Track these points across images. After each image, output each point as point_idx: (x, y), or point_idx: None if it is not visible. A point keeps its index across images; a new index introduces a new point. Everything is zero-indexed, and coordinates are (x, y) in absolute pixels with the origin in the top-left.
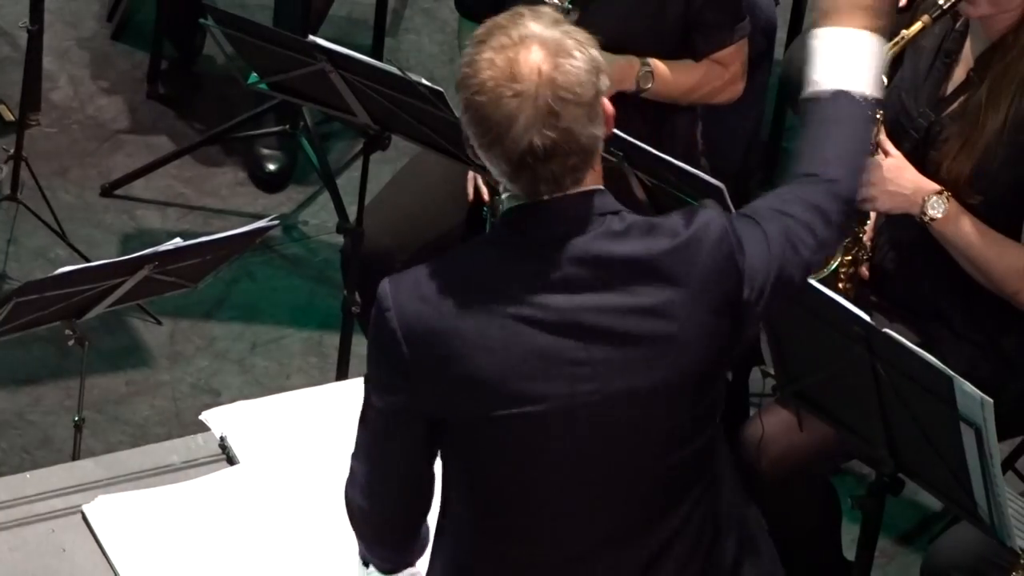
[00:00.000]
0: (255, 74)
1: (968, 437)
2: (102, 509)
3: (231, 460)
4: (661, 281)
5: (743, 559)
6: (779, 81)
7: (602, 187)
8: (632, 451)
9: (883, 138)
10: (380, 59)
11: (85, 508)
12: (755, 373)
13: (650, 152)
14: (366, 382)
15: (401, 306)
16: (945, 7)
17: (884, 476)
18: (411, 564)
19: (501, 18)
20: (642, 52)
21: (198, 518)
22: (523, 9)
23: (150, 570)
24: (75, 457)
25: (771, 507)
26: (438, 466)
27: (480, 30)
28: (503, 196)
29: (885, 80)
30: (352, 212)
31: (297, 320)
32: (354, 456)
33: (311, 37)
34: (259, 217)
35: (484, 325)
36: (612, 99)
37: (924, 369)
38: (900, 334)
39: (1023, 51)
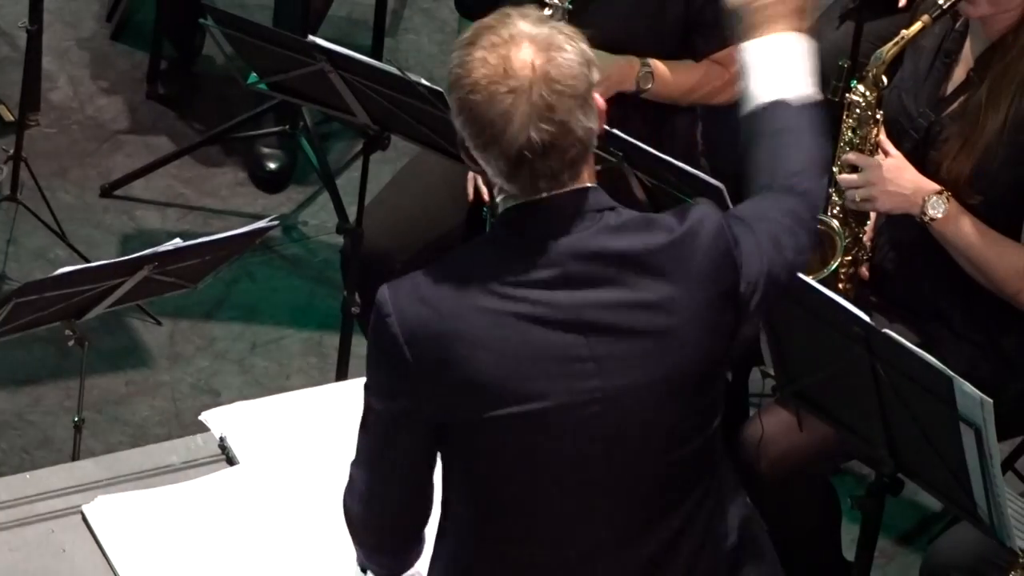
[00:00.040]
0: (255, 74)
1: (968, 437)
2: (102, 509)
3: (231, 460)
4: (660, 276)
5: (746, 560)
6: None
7: (596, 184)
8: (632, 450)
9: (883, 138)
10: (380, 59)
11: (85, 508)
12: (755, 373)
13: (650, 152)
14: (366, 388)
15: (401, 310)
16: (945, 7)
17: (884, 476)
18: (409, 568)
19: (488, 20)
20: (642, 52)
21: (198, 518)
22: (509, 9)
23: (150, 570)
24: (75, 457)
25: (771, 507)
26: (438, 469)
27: (467, 33)
28: (498, 199)
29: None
30: (352, 212)
31: (297, 320)
32: (354, 463)
33: (311, 37)
34: (259, 217)
35: (485, 325)
36: (612, 99)
37: (924, 369)
38: (900, 334)
39: (1023, 51)
